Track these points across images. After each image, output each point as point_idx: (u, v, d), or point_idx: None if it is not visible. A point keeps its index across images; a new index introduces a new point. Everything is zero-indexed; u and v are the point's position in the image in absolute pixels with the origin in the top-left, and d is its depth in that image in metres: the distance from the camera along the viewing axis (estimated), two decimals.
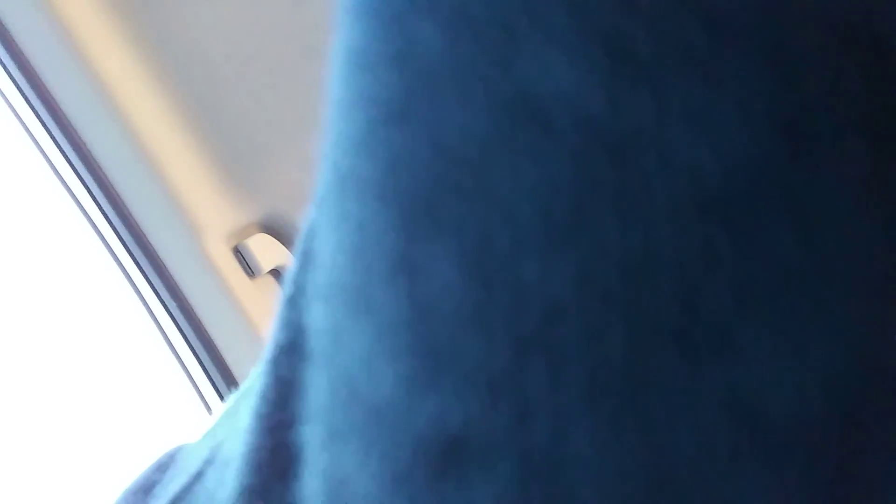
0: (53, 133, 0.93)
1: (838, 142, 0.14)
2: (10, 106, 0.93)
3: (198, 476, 0.23)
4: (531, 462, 0.14)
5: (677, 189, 0.14)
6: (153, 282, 0.97)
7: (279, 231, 0.99)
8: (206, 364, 0.99)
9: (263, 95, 0.94)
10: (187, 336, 0.98)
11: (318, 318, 0.17)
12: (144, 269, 0.97)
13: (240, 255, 0.99)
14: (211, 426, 0.26)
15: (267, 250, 0.99)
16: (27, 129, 0.94)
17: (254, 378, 0.21)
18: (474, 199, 0.14)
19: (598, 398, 0.14)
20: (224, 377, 0.99)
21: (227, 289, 0.98)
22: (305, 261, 0.18)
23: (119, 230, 0.96)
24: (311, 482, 0.16)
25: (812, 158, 0.14)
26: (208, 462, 0.23)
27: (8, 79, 0.92)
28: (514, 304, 0.14)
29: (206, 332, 0.99)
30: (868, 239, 0.14)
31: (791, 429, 0.14)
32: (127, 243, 0.96)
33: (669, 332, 0.14)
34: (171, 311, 0.98)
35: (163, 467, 0.26)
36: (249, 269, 0.99)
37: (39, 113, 0.92)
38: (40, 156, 0.95)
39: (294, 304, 0.19)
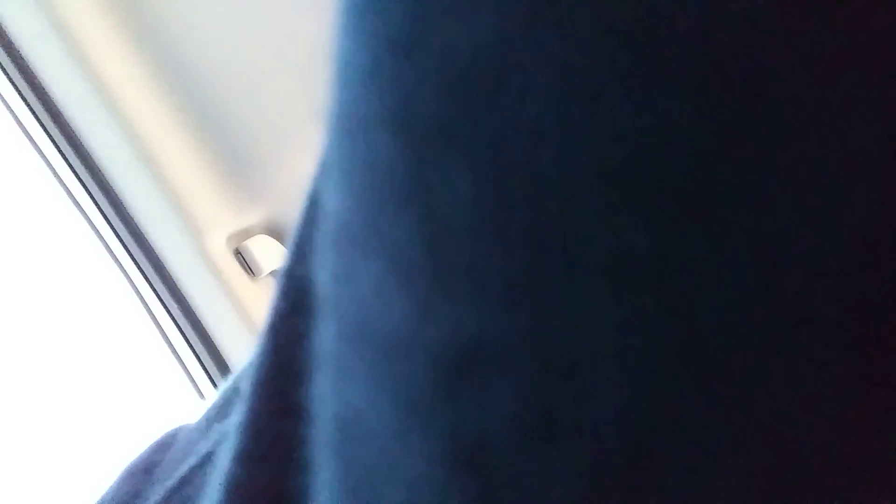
0: (53, 134, 0.93)
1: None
2: (10, 108, 0.93)
3: (208, 456, 0.23)
4: (550, 357, 0.14)
5: (693, 64, 0.14)
6: (154, 282, 0.97)
7: (280, 232, 0.99)
8: (206, 364, 0.99)
9: (265, 96, 0.94)
10: (188, 337, 0.98)
11: (327, 267, 0.17)
12: (145, 269, 0.97)
13: (241, 256, 0.98)
14: (211, 406, 0.25)
15: (268, 251, 0.99)
16: (26, 131, 0.94)
17: (252, 355, 0.21)
18: (487, 110, 0.14)
19: (617, 283, 0.14)
20: (224, 377, 0.98)
21: (228, 290, 0.98)
22: (308, 225, 0.18)
23: (120, 231, 0.96)
24: (320, 435, 0.16)
25: (832, 16, 0.13)
26: (219, 443, 0.23)
27: (7, 80, 0.92)
28: (530, 203, 0.14)
29: (207, 332, 0.98)
30: (887, 81, 0.13)
31: (822, 291, 0.13)
32: (128, 245, 0.96)
33: (686, 202, 0.14)
34: (172, 312, 0.98)
35: (163, 447, 0.26)
36: (250, 270, 0.99)
37: (39, 114, 0.92)
38: (40, 156, 0.95)
39: (294, 274, 0.19)
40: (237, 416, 0.20)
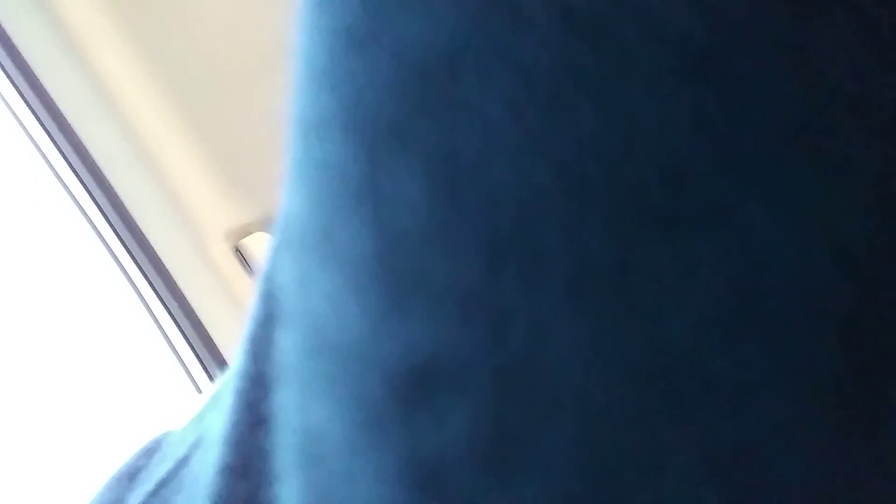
0: (52, 133, 0.93)
1: None
2: (10, 108, 0.93)
3: (184, 460, 0.23)
4: (508, 377, 0.13)
5: (662, 60, 0.13)
6: (153, 280, 0.97)
7: None
8: (205, 362, 0.99)
9: (263, 94, 0.94)
10: (187, 335, 0.98)
11: (286, 275, 0.16)
12: (144, 267, 0.97)
13: (240, 253, 0.99)
14: (196, 412, 0.25)
15: (267, 249, 0.99)
16: (26, 131, 0.94)
17: (236, 359, 0.21)
18: (442, 111, 0.14)
19: (578, 296, 0.13)
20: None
21: (227, 288, 0.98)
22: (278, 228, 0.18)
23: (119, 229, 0.96)
24: (285, 448, 0.16)
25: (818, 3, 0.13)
26: (195, 446, 0.22)
27: (7, 80, 0.92)
28: (485, 211, 0.13)
29: (205, 330, 0.99)
30: (873, 77, 0.13)
31: (795, 299, 0.13)
32: (127, 242, 0.96)
33: (655, 217, 0.13)
34: (171, 309, 0.98)
35: (149, 453, 0.26)
36: (249, 267, 0.99)
37: (38, 114, 0.92)
38: (39, 156, 0.95)
39: (270, 279, 0.18)
40: (219, 426, 0.20)
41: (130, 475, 0.25)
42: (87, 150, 0.94)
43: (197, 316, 0.98)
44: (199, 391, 1.00)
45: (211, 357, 0.99)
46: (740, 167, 0.13)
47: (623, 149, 0.13)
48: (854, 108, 0.13)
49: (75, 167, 0.94)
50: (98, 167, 0.94)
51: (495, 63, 0.13)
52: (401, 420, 0.14)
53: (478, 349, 0.13)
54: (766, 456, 0.13)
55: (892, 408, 0.13)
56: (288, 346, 0.16)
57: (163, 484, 0.23)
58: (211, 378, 0.99)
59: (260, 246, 0.99)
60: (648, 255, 0.13)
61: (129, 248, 0.96)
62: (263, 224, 0.99)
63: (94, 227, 0.97)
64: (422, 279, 0.14)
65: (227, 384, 0.22)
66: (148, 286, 0.98)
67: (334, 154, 0.14)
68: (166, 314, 0.98)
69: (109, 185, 0.95)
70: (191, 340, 0.99)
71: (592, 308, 0.13)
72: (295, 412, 0.15)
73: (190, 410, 0.26)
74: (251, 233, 0.99)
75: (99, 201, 0.95)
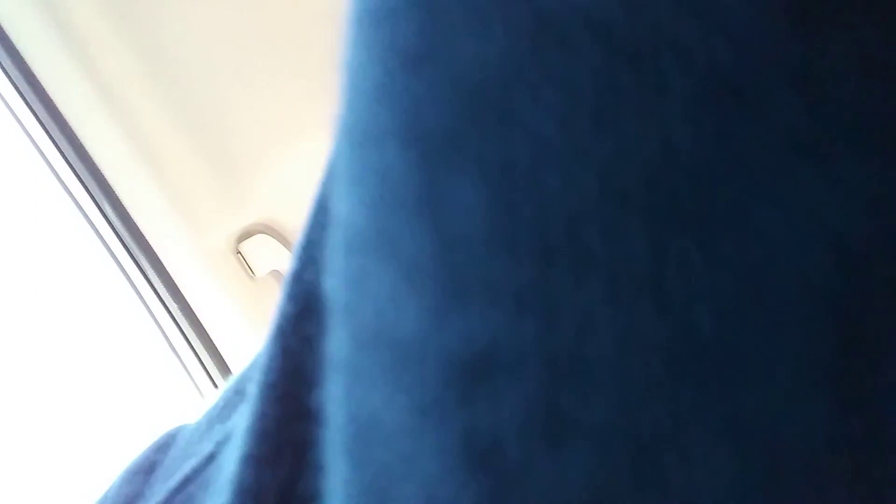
0: (52, 134, 0.93)
1: (843, 13, 0.14)
2: (10, 108, 0.93)
3: (211, 457, 0.23)
4: (557, 364, 0.15)
5: (692, 82, 0.14)
6: (154, 282, 0.97)
7: (280, 232, 0.99)
8: (206, 364, 0.99)
9: (264, 96, 0.94)
10: (188, 336, 0.98)
11: (337, 273, 0.17)
12: (145, 269, 0.97)
13: (240, 255, 0.99)
14: (213, 406, 0.25)
15: (267, 251, 0.99)
16: (26, 131, 0.94)
17: (257, 357, 0.21)
18: (495, 127, 0.15)
19: (619, 294, 0.14)
20: (225, 377, 0.98)
21: (228, 289, 0.98)
22: (316, 230, 0.19)
23: (119, 231, 0.96)
24: (333, 437, 0.16)
25: (818, 30, 0.14)
26: (222, 443, 0.23)
27: (7, 80, 0.92)
28: (538, 217, 0.15)
29: (206, 332, 0.99)
30: (874, 98, 0.14)
31: (798, 290, 0.14)
32: (127, 244, 0.96)
33: (687, 220, 0.14)
34: (172, 311, 0.98)
35: (163, 448, 0.26)
36: (250, 269, 0.99)
37: (38, 114, 0.92)
38: (39, 157, 0.95)
39: (302, 278, 0.20)
40: (244, 419, 0.20)
41: (146, 469, 0.25)
42: (87, 152, 0.94)
43: (198, 318, 0.98)
44: (201, 392, 1.00)
45: (211, 358, 0.99)
46: (756, 176, 0.14)
47: (659, 161, 0.15)
48: (853, 122, 0.14)
49: (76, 168, 0.94)
50: (99, 169, 0.94)
51: (545, 82, 0.15)
52: (459, 403, 0.15)
53: (531, 339, 0.15)
54: (776, 423, 0.14)
55: (881, 383, 0.15)
56: (338, 341, 0.17)
57: (188, 480, 0.24)
58: (211, 378, 0.99)
59: (260, 248, 0.99)
60: (679, 255, 0.14)
61: (130, 250, 0.96)
62: (264, 226, 0.99)
63: (96, 230, 0.97)
64: (479, 277, 0.15)
65: (248, 380, 0.22)
66: (149, 288, 0.98)
67: (393, 164, 0.16)
68: (167, 316, 0.98)
69: (110, 186, 0.95)
70: (192, 342, 0.99)
71: (631, 301, 0.15)
72: (346, 402, 0.16)
73: (203, 407, 0.26)
74: (251, 235, 0.99)
75: (100, 203, 0.95)
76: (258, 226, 0.99)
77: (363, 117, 0.16)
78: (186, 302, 0.98)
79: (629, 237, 0.14)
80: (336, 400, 0.17)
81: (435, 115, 0.15)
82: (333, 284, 0.17)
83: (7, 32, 0.90)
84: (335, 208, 0.17)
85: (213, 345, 0.99)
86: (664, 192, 0.14)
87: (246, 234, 0.99)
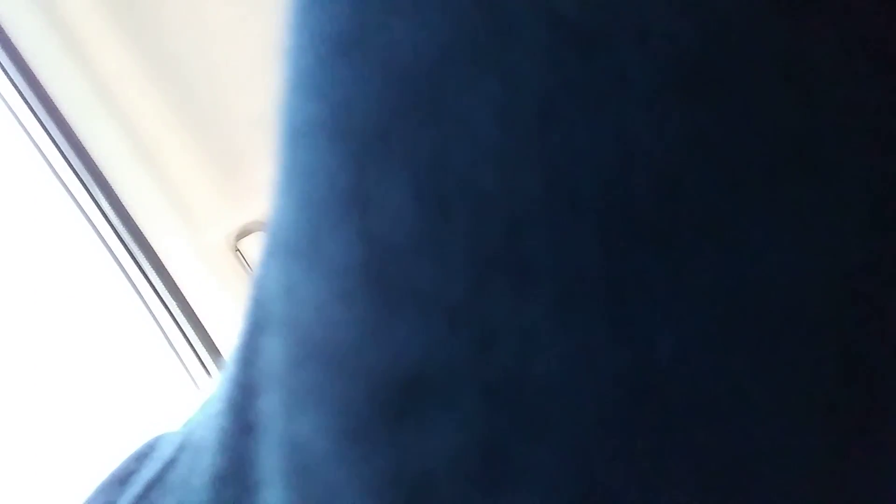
0: (52, 133, 0.93)
1: None
2: (10, 108, 0.93)
3: (171, 462, 0.23)
4: (495, 391, 0.13)
5: (656, 71, 0.12)
6: (153, 280, 0.97)
7: None
8: (205, 362, 0.99)
9: (264, 94, 0.94)
10: (187, 334, 0.98)
11: (272, 281, 0.16)
12: (145, 267, 0.97)
13: (240, 254, 0.99)
14: (189, 416, 0.25)
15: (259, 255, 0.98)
16: (27, 132, 0.94)
17: (227, 365, 0.21)
18: (429, 120, 0.13)
19: (567, 312, 0.13)
20: None
21: (227, 287, 0.98)
22: (267, 235, 0.18)
23: (119, 229, 0.96)
24: (270, 455, 0.15)
25: (808, 11, 0.12)
26: (181, 448, 0.22)
27: (7, 80, 0.92)
28: (473, 223, 0.13)
29: (205, 330, 0.98)
30: (864, 87, 0.12)
31: (791, 316, 0.12)
32: (127, 243, 0.96)
33: (647, 230, 0.13)
34: (172, 309, 0.98)
35: (141, 457, 0.26)
36: (250, 267, 0.99)
37: (38, 114, 0.92)
38: (39, 157, 0.95)
39: (259, 284, 0.18)
40: (209, 432, 0.20)
41: (122, 479, 0.25)
42: (87, 151, 0.94)
43: (197, 316, 0.98)
44: (199, 391, 1.00)
45: (211, 357, 0.99)
46: (736, 182, 0.12)
47: (615, 162, 0.13)
48: (847, 118, 0.12)
49: (75, 167, 0.94)
50: (98, 167, 0.94)
51: (483, 71, 0.13)
52: (387, 432, 0.13)
53: (465, 361, 0.13)
54: (758, 473, 0.12)
55: (886, 424, 0.13)
56: (274, 353, 0.16)
57: (150, 486, 0.23)
58: (210, 376, 0.99)
59: (260, 246, 0.98)
60: (639, 270, 0.13)
61: (130, 248, 0.96)
62: (263, 225, 0.99)
63: (95, 228, 0.97)
64: (409, 289, 0.13)
65: (218, 390, 0.22)
66: (148, 286, 0.98)
67: (321, 161, 0.14)
68: (166, 314, 0.98)
69: (109, 185, 0.95)
70: (191, 340, 0.99)
71: (581, 322, 0.13)
72: (280, 420, 0.15)
73: (184, 415, 0.26)
74: (251, 233, 0.99)
75: (99, 202, 0.95)
76: (257, 223, 0.99)
77: (295, 110, 0.15)
78: (185, 299, 0.98)
79: (579, 247, 0.13)
80: (272, 417, 0.15)
81: (364, 107, 0.14)
82: (269, 292, 0.16)
83: (7, 32, 0.90)
84: (272, 209, 0.16)
85: (212, 342, 0.99)
86: (621, 198, 0.13)
87: (245, 232, 0.99)
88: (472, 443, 0.13)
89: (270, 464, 0.15)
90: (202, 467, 0.19)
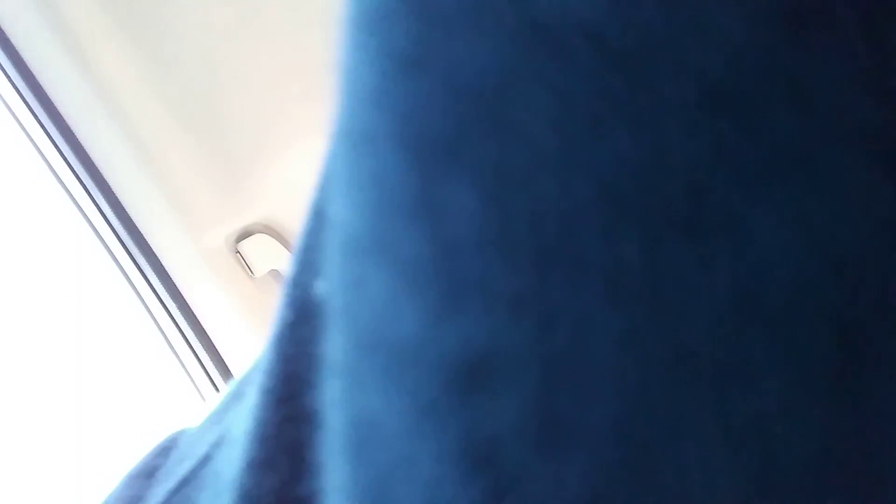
0: (52, 133, 0.93)
1: (833, 25, 0.15)
2: (10, 108, 0.93)
3: (206, 459, 0.24)
4: (554, 368, 0.15)
5: (686, 91, 0.15)
6: (153, 281, 0.97)
7: (279, 231, 1.00)
8: (205, 363, 0.99)
9: (263, 95, 0.95)
10: (187, 335, 0.99)
11: (334, 278, 0.17)
12: (144, 268, 0.97)
13: (239, 255, 0.99)
14: (213, 410, 0.26)
15: (267, 250, 0.99)
16: (26, 131, 0.94)
17: (258, 361, 0.21)
18: (491, 132, 0.15)
19: (616, 298, 0.15)
20: (224, 377, 0.99)
21: (227, 289, 0.98)
22: (313, 235, 0.19)
23: (118, 230, 0.96)
24: (331, 439, 0.17)
25: (810, 42, 0.15)
26: (216, 445, 0.23)
27: (7, 80, 0.92)
28: (533, 221, 0.15)
29: (205, 332, 0.99)
30: (864, 108, 0.15)
31: (792, 296, 0.15)
32: (126, 244, 0.96)
33: (681, 226, 0.15)
34: (171, 310, 0.98)
35: (165, 452, 0.26)
36: (249, 269, 0.99)
37: (38, 115, 0.93)
38: (39, 157, 0.95)
39: (299, 283, 0.20)
40: (244, 423, 0.20)
41: (147, 473, 0.25)
42: (86, 151, 0.94)
43: (197, 317, 0.98)
44: (199, 391, 1.01)
45: (210, 358, 0.99)
46: (749, 183, 0.15)
47: (653, 167, 0.15)
48: (842, 129, 0.15)
49: (75, 168, 0.94)
50: (98, 168, 0.94)
51: (539, 88, 0.15)
52: (458, 407, 0.15)
53: (528, 343, 0.15)
54: (771, 429, 0.15)
55: (877, 388, 0.15)
56: (335, 346, 0.17)
57: (185, 482, 0.24)
58: (210, 378, 0.99)
59: (259, 247, 0.99)
60: (673, 259, 0.15)
61: (129, 249, 0.96)
62: (263, 226, 0.99)
63: (94, 229, 0.97)
64: (476, 281, 0.15)
65: (248, 383, 0.22)
66: (147, 287, 0.98)
67: (389, 168, 0.16)
68: (166, 316, 0.98)
69: (109, 186, 0.95)
70: (190, 342, 0.99)
71: (626, 306, 0.15)
72: (344, 405, 0.16)
73: (205, 409, 0.26)
74: (251, 234, 0.99)
75: (99, 203, 0.95)
76: (257, 225, 0.99)
77: (358, 121, 0.16)
78: (185, 301, 0.98)
79: (623, 243, 0.15)
80: (335, 403, 0.17)
81: (429, 119, 0.15)
82: (331, 288, 0.17)
83: (7, 33, 0.90)
84: (332, 212, 0.17)
85: (212, 344, 0.99)
86: (658, 198, 0.15)
87: (245, 234, 0.99)
88: (535, 412, 0.15)
89: (331, 447, 0.17)
90: (239, 459, 0.20)
